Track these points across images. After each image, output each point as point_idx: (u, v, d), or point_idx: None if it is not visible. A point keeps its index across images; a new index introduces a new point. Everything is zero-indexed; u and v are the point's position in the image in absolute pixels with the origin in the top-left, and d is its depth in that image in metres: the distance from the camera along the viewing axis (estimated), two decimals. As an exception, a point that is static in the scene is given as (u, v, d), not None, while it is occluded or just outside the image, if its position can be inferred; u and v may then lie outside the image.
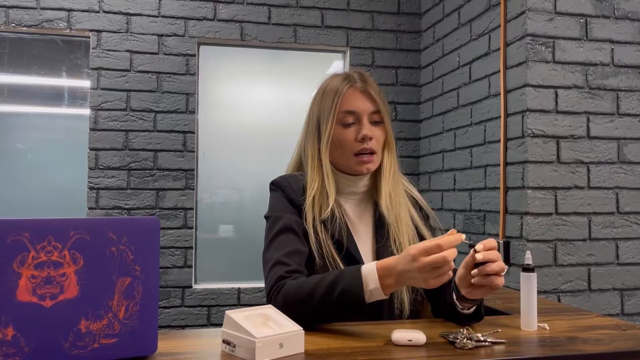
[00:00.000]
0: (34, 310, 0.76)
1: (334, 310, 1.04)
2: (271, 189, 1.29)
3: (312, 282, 1.06)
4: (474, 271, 1.01)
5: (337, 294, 1.02)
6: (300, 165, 1.31)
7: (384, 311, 1.21)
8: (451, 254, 0.94)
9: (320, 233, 1.18)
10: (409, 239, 1.23)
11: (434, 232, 1.33)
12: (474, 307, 1.09)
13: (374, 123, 1.22)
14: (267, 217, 1.25)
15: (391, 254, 1.20)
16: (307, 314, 1.04)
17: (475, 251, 1.01)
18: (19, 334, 0.75)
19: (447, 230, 1.04)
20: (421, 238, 1.26)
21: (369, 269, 1.02)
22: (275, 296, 1.09)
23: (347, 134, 1.21)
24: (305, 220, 1.19)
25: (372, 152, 1.21)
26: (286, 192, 1.24)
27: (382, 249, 1.23)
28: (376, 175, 1.28)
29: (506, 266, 1.03)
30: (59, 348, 0.78)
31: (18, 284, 0.75)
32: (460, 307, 1.09)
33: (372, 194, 1.29)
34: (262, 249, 1.22)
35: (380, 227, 1.25)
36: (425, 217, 1.33)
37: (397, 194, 1.26)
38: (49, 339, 0.77)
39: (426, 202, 1.36)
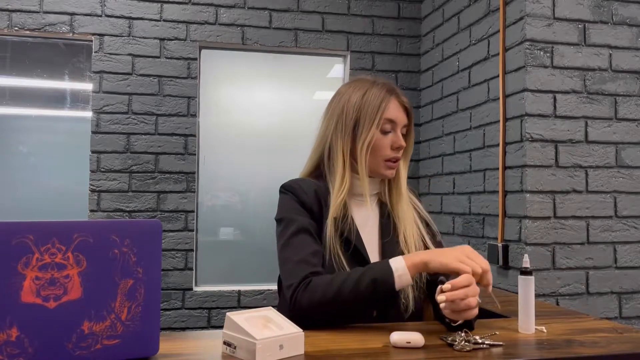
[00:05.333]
0: (38, 311, 0.77)
1: (363, 300, 1.09)
2: (281, 192, 1.31)
3: (341, 277, 1.12)
4: (442, 305, 1.04)
5: (367, 282, 1.08)
6: (320, 159, 1.33)
7: (387, 307, 1.23)
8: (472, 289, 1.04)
9: (332, 228, 1.22)
10: (414, 240, 1.28)
11: (435, 236, 1.36)
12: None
13: (403, 135, 1.30)
14: (279, 220, 1.27)
15: (400, 252, 1.24)
16: (336, 307, 1.09)
17: (442, 290, 1.03)
18: (23, 334, 0.76)
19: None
20: (425, 247, 1.31)
21: (397, 259, 1.11)
22: (302, 291, 1.11)
23: (385, 140, 1.26)
24: (326, 217, 1.23)
25: (397, 160, 1.29)
26: (298, 195, 1.26)
27: (388, 244, 1.28)
28: (388, 181, 1.34)
29: (477, 300, 1.04)
30: (62, 349, 0.79)
31: (22, 285, 0.76)
32: (448, 320, 1.10)
33: (379, 197, 1.35)
34: (276, 250, 1.26)
35: (386, 227, 1.30)
36: (426, 224, 1.36)
37: (406, 200, 1.33)
38: (52, 340, 0.78)
39: (425, 210, 1.40)
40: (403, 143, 1.27)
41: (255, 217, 2.67)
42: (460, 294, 1.01)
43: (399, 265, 1.09)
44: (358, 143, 1.25)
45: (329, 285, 1.10)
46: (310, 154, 1.36)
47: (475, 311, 1.05)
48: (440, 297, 1.02)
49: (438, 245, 1.34)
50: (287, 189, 1.29)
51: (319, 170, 1.33)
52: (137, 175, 2.47)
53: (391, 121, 1.27)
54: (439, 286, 1.04)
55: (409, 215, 1.31)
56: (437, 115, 2.58)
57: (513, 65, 1.94)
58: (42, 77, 2.53)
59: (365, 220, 1.30)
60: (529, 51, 1.87)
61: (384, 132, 1.26)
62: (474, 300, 1.02)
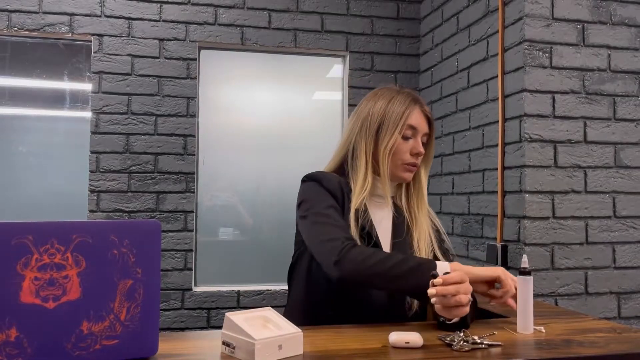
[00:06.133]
0: (37, 311, 0.77)
1: (401, 277, 1.11)
2: (305, 181, 1.35)
3: (387, 252, 1.18)
4: (433, 300, 1.05)
5: (413, 264, 1.13)
6: (344, 158, 1.38)
7: (392, 306, 1.25)
8: None
9: (353, 222, 1.26)
10: (425, 246, 1.32)
11: (443, 242, 1.40)
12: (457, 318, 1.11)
13: (423, 143, 1.36)
14: (303, 201, 1.30)
15: (411, 254, 1.29)
16: (376, 271, 1.12)
17: (433, 284, 1.04)
18: (22, 335, 0.76)
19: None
20: (434, 254, 1.36)
21: (442, 262, 1.17)
22: (350, 248, 1.15)
23: (405, 146, 1.33)
24: (348, 209, 1.27)
25: (415, 165, 1.34)
26: (322, 184, 1.30)
27: (399, 245, 1.32)
28: (406, 186, 1.40)
29: (468, 298, 1.04)
30: (62, 349, 0.79)
31: (21, 285, 0.76)
32: (442, 319, 1.11)
33: (394, 200, 1.40)
34: (298, 227, 1.31)
35: (399, 228, 1.35)
36: (440, 241, 1.41)
37: (424, 208, 1.39)
38: (51, 340, 0.78)
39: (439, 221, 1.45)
40: (422, 150, 1.33)
41: (255, 217, 2.67)
42: (451, 290, 1.02)
43: (443, 265, 1.14)
44: (380, 146, 1.31)
45: (376, 253, 1.15)
46: (335, 153, 1.42)
47: (466, 309, 1.05)
48: (430, 291, 1.04)
49: (445, 252, 1.38)
50: (311, 178, 1.33)
51: (342, 169, 1.38)
52: (137, 175, 2.47)
53: (413, 128, 1.33)
54: (431, 280, 1.05)
55: (426, 221, 1.36)
56: (437, 116, 2.58)
57: (512, 65, 1.94)
58: (42, 78, 2.53)
59: (380, 220, 1.35)
60: (527, 51, 1.87)
61: (405, 138, 1.33)
62: (465, 298, 1.03)
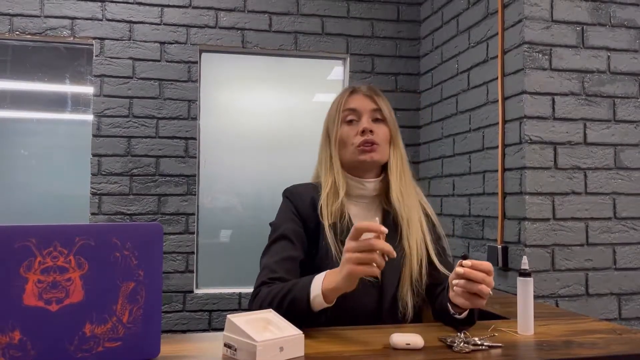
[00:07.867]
0: (40, 314, 0.78)
1: (290, 317, 1.01)
2: (282, 196, 1.34)
3: (276, 290, 1.11)
4: (455, 281, 1.04)
5: (288, 302, 1.07)
6: (318, 169, 1.37)
7: (384, 315, 1.23)
8: (377, 243, 0.97)
9: (331, 232, 1.22)
10: (416, 241, 1.25)
11: (439, 239, 1.35)
12: (466, 312, 1.10)
13: (376, 120, 1.30)
14: (270, 225, 1.31)
15: (402, 255, 1.23)
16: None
17: (462, 265, 1.02)
18: (25, 337, 0.77)
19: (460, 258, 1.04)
20: (429, 261, 1.29)
21: (319, 276, 1.06)
22: (252, 299, 1.16)
23: (350, 130, 1.29)
24: (322, 218, 1.23)
25: (373, 143, 1.27)
26: (293, 202, 1.29)
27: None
28: (385, 177, 1.32)
29: (490, 291, 1.02)
30: (64, 351, 0.79)
31: (25, 288, 0.77)
32: (452, 311, 1.10)
33: (381, 200, 1.33)
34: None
35: (390, 230, 1.27)
36: (432, 225, 1.34)
37: (409, 196, 1.29)
38: (54, 343, 0.79)
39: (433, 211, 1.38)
40: (366, 125, 1.27)
41: (255, 219, 2.68)
42: (478, 276, 1.01)
43: (316, 285, 1.05)
44: (332, 143, 1.30)
45: (266, 298, 1.11)
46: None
47: (483, 302, 1.04)
48: (458, 270, 1.01)
49: (437, 238, 1.32)
50: (286, 194, 1.33)
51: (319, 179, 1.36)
52: (138, 178, 2.48)
53: (353, 110, 1.30)
54: (460, 260, 1.03)
55: (413, 216, 1.27)
56: (437, 118, 2.59)
57: (512, 67, 1.95)
58: (43, 81, 2.54)
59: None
60: (527, 54, 1.87)
61: (349, 122, 1.29)
62: (486, 289, 1.01)
